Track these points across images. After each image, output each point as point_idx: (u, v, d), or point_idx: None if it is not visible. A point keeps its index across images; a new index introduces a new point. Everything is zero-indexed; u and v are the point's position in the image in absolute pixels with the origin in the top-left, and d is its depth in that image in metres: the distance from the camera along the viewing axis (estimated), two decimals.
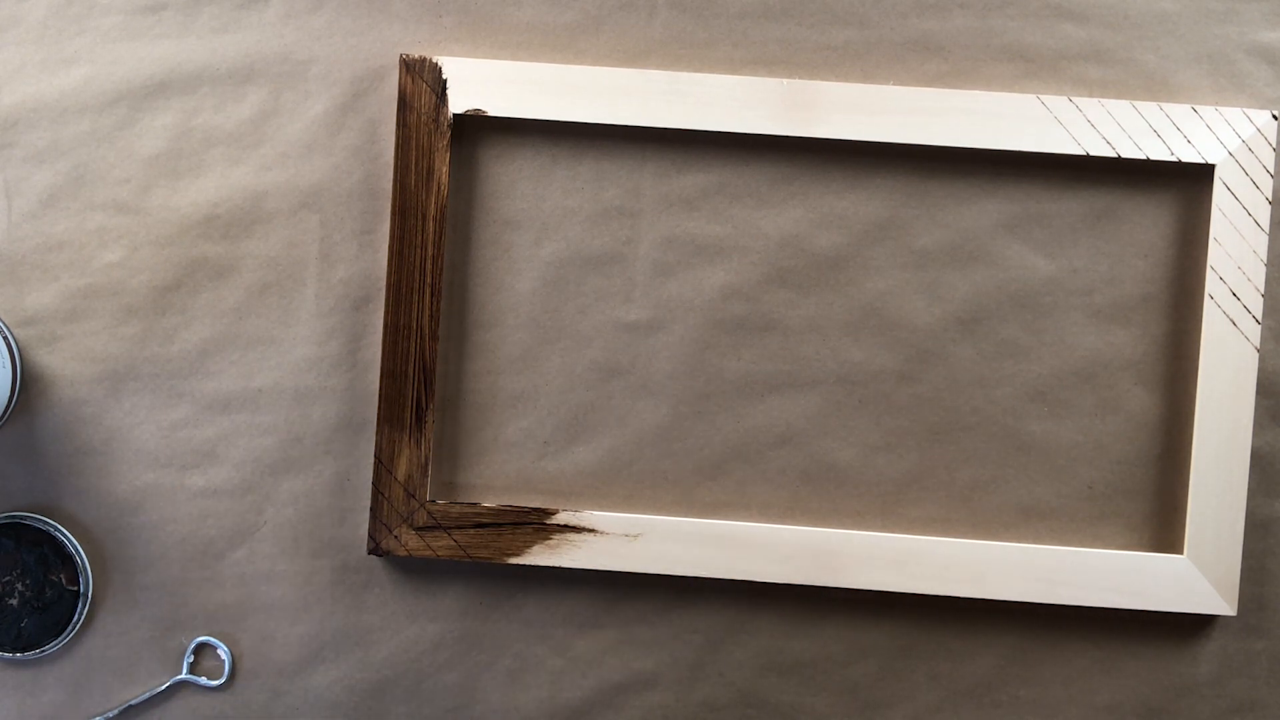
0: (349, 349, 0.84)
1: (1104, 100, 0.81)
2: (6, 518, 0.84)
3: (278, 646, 0.85)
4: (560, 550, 0.82)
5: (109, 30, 0.84)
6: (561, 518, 0.82)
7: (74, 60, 0.84)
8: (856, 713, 0.84)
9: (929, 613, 0.83)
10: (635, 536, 0.82)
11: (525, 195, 0.84)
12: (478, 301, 0.85)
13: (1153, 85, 0.83)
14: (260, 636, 0.85)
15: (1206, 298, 0.81)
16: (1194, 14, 0.83)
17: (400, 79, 0.82)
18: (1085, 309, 0.84)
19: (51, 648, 0.84)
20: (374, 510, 0.83)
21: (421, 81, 0.82)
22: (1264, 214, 0.81)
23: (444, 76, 0.82)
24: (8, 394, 0.80)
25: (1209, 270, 0.81)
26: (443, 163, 0.82)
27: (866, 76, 0.83)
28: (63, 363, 0.84)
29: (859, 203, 0.84)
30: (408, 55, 0.82)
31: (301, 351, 0.84)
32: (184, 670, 0.85)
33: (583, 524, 0.82)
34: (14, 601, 0.84)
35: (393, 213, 0.82)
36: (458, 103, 0.82)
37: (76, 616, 0.84)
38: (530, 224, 0.84)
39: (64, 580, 0.84)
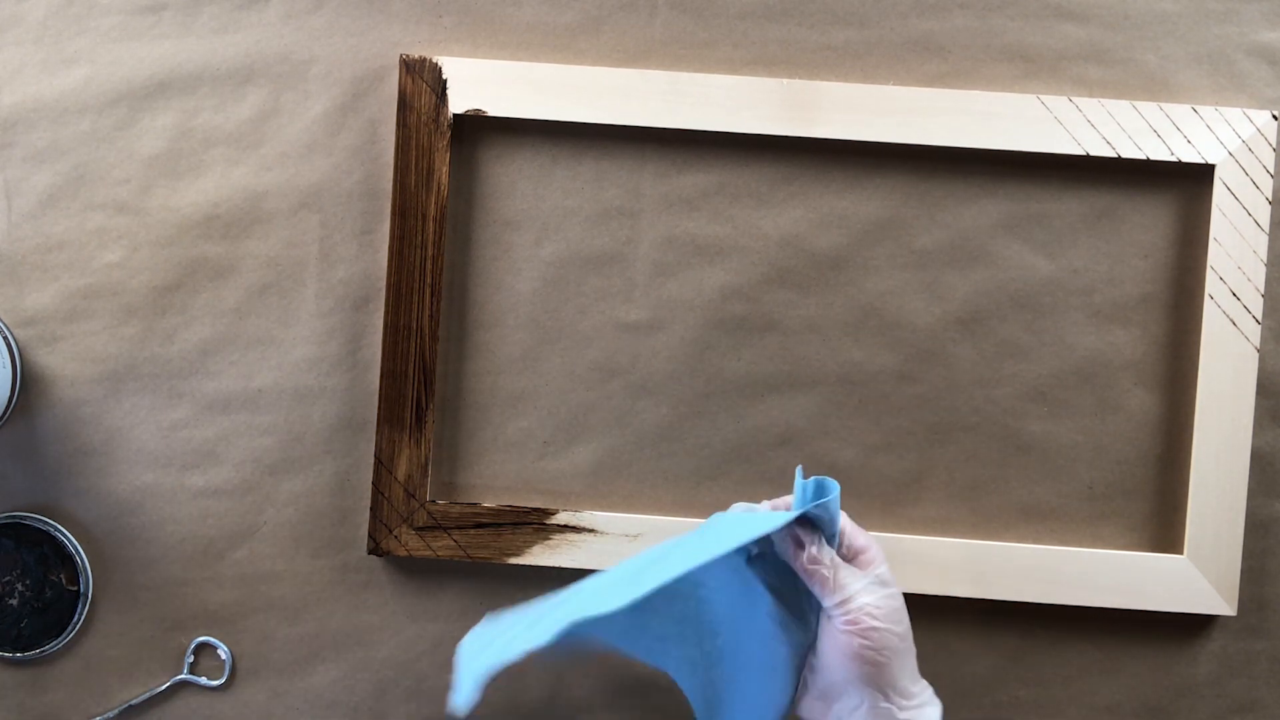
0: (349, 349, 0.84)
1: (1104, 100, 0.81)
2: (6, 518, 0.84)
3: (278, 646, 0.85)
4: (560, 550, 0.82)
5: (109, 30, 0.84)
6: (561, 518, 0.82)
7: (74, 60, 0.84)
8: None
9: (929, 612, 0.83)
10: (635, 536, 0.82)
11: (525, 195, 0.84)
12: (478, 301, 0.84)
13: (1153, 85, 0.83)
14: (260, 636, 0.85)
15: (1206, 298, 0.81)
16: (1194, 14, 0.83)
17: (400, 79, 0.82)
18: (1085, 309, 0.84)
19: (51, 648, 0.84)
20: (374, 510, 0.83)
21: (421, 81, 0.82)
22: (1264, 214, 0.81)
23: (444, 76, 0.82)
24: (8, 394, 0.80)
25: (1209, 270, 0.81)
26: (443, 163, 0.82)
27: (866, 76, 0.83)
28: (63, 363, 0.84)
29: (859, 203, 0.84)
30: (408, 55, 0.82)
31: (301, 351, 0.84)
32: (184, 670, 0.85)
33: (583, 524, 0.82)
34: (14, 601, 0.84)
35: (393, 213, 0.82)
36: (458, 103, 0.82)
37: (76, 616, 0.84)
38: (530, 224, 0.84)
39: (64, 580, 0.84)
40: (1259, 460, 0.83)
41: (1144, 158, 0.81)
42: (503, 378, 0.85)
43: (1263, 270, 0.81)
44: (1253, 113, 0.81)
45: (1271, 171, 0.81)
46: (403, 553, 0.83)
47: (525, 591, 0.84)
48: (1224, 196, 0.81)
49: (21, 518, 0.84)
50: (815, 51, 0.83)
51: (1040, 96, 0.81)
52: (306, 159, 0.84)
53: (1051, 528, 0.84)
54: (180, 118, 0.84)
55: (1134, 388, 0.84)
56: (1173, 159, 0.81)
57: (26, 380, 0.84)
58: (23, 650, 0.84)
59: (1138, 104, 0.81)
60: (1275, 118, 0.81)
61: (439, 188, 0.82)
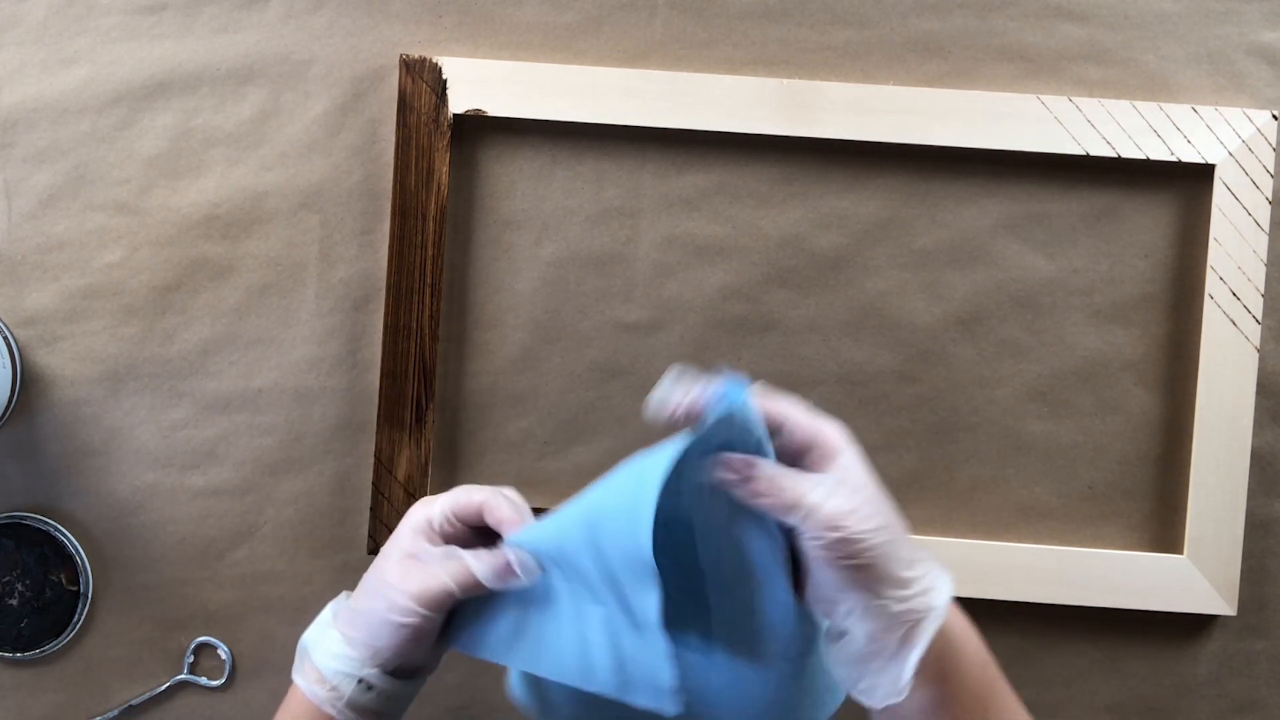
0: (349, 349, 0.84)
1: (1104, 100, 0.81)
2: (6, 518, 0.84)
3: (278, 646, 0.85)
4: None
5: (109, 30, 0.84)
6: None
7: (74, 60, 0.84)
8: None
9: None
10: None
11: (525, 195, 0.84)
12: (478, 301, 0.84)
13: (1153, 85, 0.83)
14: (260, 636, 0.85)
15: (1206, 298, 0.81)
16: (1194, 14, 0.83)
17: (400, 79, 0.82)
18: (1085, 309, 0.84)
19: (51, 648, 0.84)
20: (374, 510, 0.83)
21: (421, 81, 0.82)
22: (1264, 214, 0.81)
23: (444, 76, 0.82)
24: (8, 394, 0.80)
25: (1209, 270, 0.81)
26: (443, 163, 0.82)
27: (866, 76, 0.83)
28: (63, 363, 0.84)
29: (859, 203, 0.84)
30: (408, 55, 0.82)
31: (301, 351, 0.84)
32: (184, 670, 0.85)
33: None
34: (14, 601, 0.84)
35: (393, 213, 0.82)
36: (458, 103, 0.82)
37: (76, 616, 0.84)
38: (530, 224, 0.84)
39: (64, 580, 0.84)
40: (1259, 460, 0.83)
41: (1144, 158, 0.81)
42: (503, 378, 0.85)
43: (1263, 270, 0.81)
44: (1253, 113, 0.81)
45: (1271, 171, 0.81)
46: None
47: None
48: (1224, 196, 0.81)
49: (21, 518, 0.84)
50: (815, 51, 0.83)
51: (1040, 96, 0.81)
52: (306, 159, 0.84)
53: (1051, 528, 0.84)
54: (180, 118, 0.84)
55: (1134, 388, 0.84)
56: (1173, 159, 0.81)
57: (26, 380, 0.84)
58: (23, 650, 0.84)
59: (1138, 104, 0.81)
60: (1275, 118, 0.81)
61: (439, 188, 0.82)
